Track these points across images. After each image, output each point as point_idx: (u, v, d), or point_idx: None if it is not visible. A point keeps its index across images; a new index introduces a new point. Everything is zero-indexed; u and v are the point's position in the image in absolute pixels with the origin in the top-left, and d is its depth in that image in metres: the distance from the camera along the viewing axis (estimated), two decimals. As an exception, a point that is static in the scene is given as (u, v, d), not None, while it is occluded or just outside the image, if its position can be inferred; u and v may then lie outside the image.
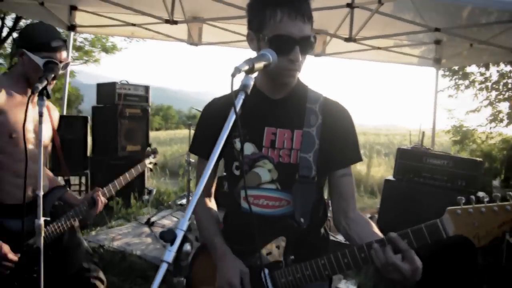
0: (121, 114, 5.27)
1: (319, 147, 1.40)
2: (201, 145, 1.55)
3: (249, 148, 1.45)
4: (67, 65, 1.95)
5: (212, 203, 1.64)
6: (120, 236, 4.06)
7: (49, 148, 2.21)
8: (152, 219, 4.54)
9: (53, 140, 2.18)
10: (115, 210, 4.80)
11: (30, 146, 1.90)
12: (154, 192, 5.56)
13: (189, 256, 1.01)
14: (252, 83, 1.11)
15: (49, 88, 1.63)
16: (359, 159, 1.49)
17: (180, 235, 0.91)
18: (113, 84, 5.32)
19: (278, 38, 1.27)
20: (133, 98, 5.46)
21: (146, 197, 5.21)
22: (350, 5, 3.98)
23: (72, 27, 5.39)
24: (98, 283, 2.17)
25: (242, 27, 4.81)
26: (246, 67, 1.08)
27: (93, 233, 4.12)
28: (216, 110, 1.52)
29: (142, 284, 3.31)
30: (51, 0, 4.66)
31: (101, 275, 2.22)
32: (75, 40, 12.89)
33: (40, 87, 1.58)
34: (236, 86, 1.08)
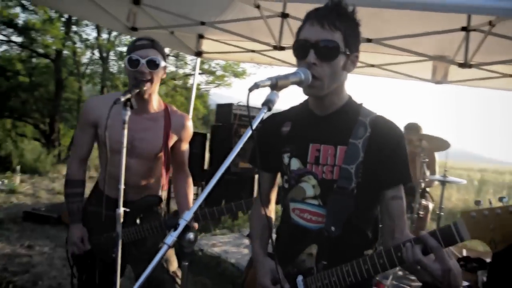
0: (236, 133, 5.72)
1: (363, 160, 1.40)
2: (261, 158, 1.64)
3: (295, 164, 1.51)
4: (152, 62, 2.01)
5: (268, 211, 1.72)
6: (221, 244, 4.39)
7: (158, 160, 2.26)
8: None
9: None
10: (222, 220, 5.18)
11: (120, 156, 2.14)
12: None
13: (193, 244, 1.14)
14: (276, 99, 1.18)
15: (133, 100, 1.84)
16: (408, 180, 1.44)
17: (182, 224, 1.07)
18: (230, 105, 5.83)
19: (296, 44, 1.36)
20: (247, 118, 5.89)
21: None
22: (465, 29, 3.72)
23: (199, 53, 6.07)
24: None
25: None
26: (268, 83, 1.17)
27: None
28: (272, 125, 1.60)
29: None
30: (180, 30, 5.31)
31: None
32: (209, 65, 14.17)
33: (123, 99, 1.80)
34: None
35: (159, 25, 4.83)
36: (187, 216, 1.08)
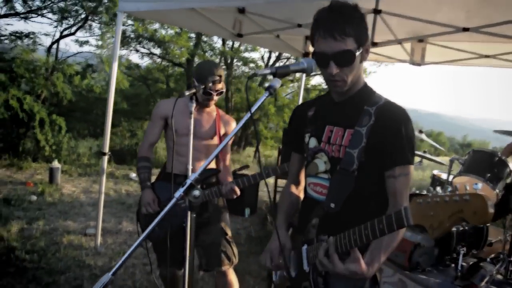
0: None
1: (365, 146, 1.56)
2: (289, 139, 1.94)
3: (312, 142, 1.72)
4: (221, 93, 2.72)
5: (296, 189, 1.94)
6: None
7: (215, 140, 2.84)
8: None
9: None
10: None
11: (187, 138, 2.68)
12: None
13: (199, 199, 1.41)
14: (278, 85, 1.44)
15: (198, 95, 2.43)
16: (405, 162, 1.55)
17: (188, 183, 1.37)
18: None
19: (316, 55, 1.54)
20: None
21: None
22: None
23: (306, 54, 6.31)
24: (224, 259, 2.68)
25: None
26: (267, 72, 1.44)
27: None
28: (302, 110, 1.85)
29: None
30: (286, 33, 5.60)
31: (230, 253, 2.73)
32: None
33: (187, 93, 2.35)
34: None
35: (264, 30, 5.18)
36: (192, 177, 1.37)
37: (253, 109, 1.46)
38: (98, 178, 7.57)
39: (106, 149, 4.39)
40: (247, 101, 1.55)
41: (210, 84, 2.60)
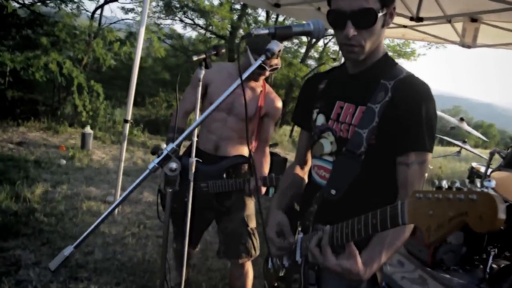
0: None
1: (377, 125, 1.33)
2: (298, 114, 1.70)
3: (320, 119, 1.51)
4: (275, 69, 2.43)
5: (301, 170, 1.72)
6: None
7: (253, 122, 2.53)
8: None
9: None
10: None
11: (223, 113, 2.47)
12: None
13: (175, 172, 1.25)
14: (277, 48, 1.27)
15: (208, 61, 2.10)
16: (421, 148, 1.30)
17: (164, 154, 1.20)
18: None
19: (331, 13, 1.31)
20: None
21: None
22: None
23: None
24: (242, 252, 2.50)
25: None
26: (265, 32, 1.23)
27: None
28: (313, 83, 1.62)
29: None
30: (327, 6, 5.26)
31: (250, 246, 2.51)
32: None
33: (195, 58, 2.07)
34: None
35: (304, 1, 4.86)
36: (169, 148, 1.19)
37: (245, 75, 1.32)
38: (129, 146, 7.65)
39: (129, 117, 4.33)
40: (238, 70, 1.33)
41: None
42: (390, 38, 10.50)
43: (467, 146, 4.33)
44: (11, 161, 5.73)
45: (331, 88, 1.53)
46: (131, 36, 11.33)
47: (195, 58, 2.09)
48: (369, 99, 1.35)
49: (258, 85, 2.53)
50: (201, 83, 2.15)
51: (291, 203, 1.65)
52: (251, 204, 2.58)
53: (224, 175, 2.45)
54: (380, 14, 1.27)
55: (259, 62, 1.32)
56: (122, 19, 12.22)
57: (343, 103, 1.44)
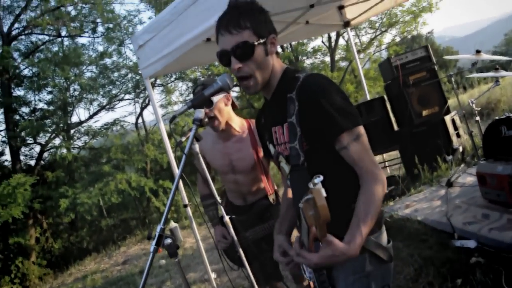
0: (405, 84, 5.36)
1: (301, 133, 1.45)
2: (264, 151, 1.84)
3: (271, 149, 1.67)
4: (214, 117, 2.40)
5: None
6: (415, 202, 4.22)
7: (257, 170, 2.59)
8: (452, 179, 4.38)
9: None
10: (422, 177, 4.92)
11: (230, 175, 2.63)
12: (460, 149, 5.21)
13: (172, 245, 1.47)
14: (202, 115, 1.51)
15: (197, 134, 2.24)
16: (344, 128, 1.39)
17: (156, 235, 1.42)
18: (388, 60, 5.54)
19: (218, 54, 1.49)
20: (412, 63, 5.43)
21: (449, 157, 5.00)
22: None
23: (346, 24, 6.00)
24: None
25: None
26: (184, 109, 1.49)
27: (391, 203, 4.47)
28: (258, 121, 1.80)
29: (421, 248, 3.43)
30: (313, 15, 5.15)
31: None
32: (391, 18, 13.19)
33: (183, 139, 2.14)
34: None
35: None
36: (159, 228, 1.40)
37: (187, 149, 1.53)
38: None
39: (186, 201, 4.65)
40: (176, 143, 1.55)
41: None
42: (382, 12, 10.27)
43: (502, 72, 4.11)
44: (121, 281, 6.34)
45: (266, 119, 1.69)
46: (176, 125, 12.15)
47: (183, 139, 2.21)
48: (286, 115, 1.49)
49: (243, 128, 2.57)
50: (200, 155, 2.36)
51: (293, 224, 1.76)
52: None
53: (260, 220, 2.63)
54: (257, 44, 1.43)
55: (192, 134, 1.52)
56: (163, 115, 13.17)
57: (275, 127, 1.59)
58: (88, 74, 10.66)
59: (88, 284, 6.85)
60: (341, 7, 5.75)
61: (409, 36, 16.07)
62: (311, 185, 1.00)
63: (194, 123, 1.49)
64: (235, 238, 2.40)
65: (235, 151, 2.56)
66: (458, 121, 5.58)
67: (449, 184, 4.34)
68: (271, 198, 2.67)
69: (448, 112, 5.42)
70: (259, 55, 1.45)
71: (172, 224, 7.66)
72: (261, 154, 2.58)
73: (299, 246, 1.32)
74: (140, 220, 10.09)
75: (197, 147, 2.31)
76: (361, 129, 1.42)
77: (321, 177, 0.98)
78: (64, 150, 8.95)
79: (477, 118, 4.43)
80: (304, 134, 1.46)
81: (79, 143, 10.19)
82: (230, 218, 2.42)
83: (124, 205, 10.55)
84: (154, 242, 1.42)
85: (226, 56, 1.47)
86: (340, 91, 1.45)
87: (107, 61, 10.65)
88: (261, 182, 2.65)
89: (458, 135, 5.47)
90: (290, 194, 1.85)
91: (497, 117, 3.63)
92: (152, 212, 10.27)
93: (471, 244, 3.22)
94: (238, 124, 2.57)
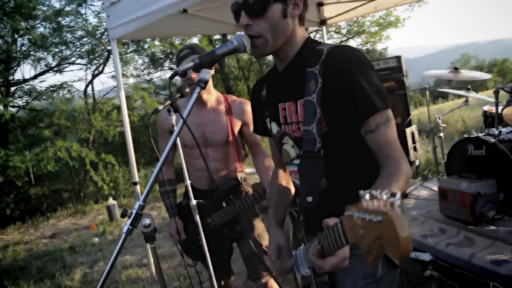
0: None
1: (321, 115, 1.25)
2: (257, 126, 1.65)
3: (274, 127, 1.46)
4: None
5: (285, 174, 1.66)
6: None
7: (229, 145, 2.43)
8: (407, 191, 4.42)
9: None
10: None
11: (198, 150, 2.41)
12: (417, 163, 5.30)
13: (150, 228, 1.22)
14: (208, 76, 1.24)
15: (176, 105, 1.79)
16: (376, 109, 1.18)
17: (133, 214, 1.18)
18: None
19: (231, 7, 1.30)
20: (383, 72, 5.43)
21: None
22: None
23: (323, 22, 5.90)
24: (262, 271, 2.44)
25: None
26: (190, 65, 1.21)
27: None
28: (256, 92, 1.57)
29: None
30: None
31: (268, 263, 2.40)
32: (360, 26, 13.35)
33: (161, 107, 1.96)
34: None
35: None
36: (135, 206, 1.14)
37: (186, 112, 1.29)
38: (154, 204, 7.70)
39: (136, 179, 4.34)
40: (172, 105, 1.30)
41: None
42: (362, 16, 10.42)
43: (472, 93, 4.17)
44: (47, 255, 5.84)
45: (271, 92, 1.47)
46: (128, 99, 11.58)
47: (161, 107, 1.99)
48: (303, 92, 1.28)
49: (219, 101, 2.43)
50: (176, 128, 2.09)
51: (286, 213, 1.59)
52: (259, 224, 2.52)
53: (224, 204, 2.40)
54: (274, 3, 1.23)
55: (195, 94, 1.28)
56: (115, 86, 12.52)
57: (284, 104, 1.38)
58: (40, 30, 9.86)
59: (9, 255, 6.26)
60: (320, 4, 5.65)
61: (364, 48, 16.37)
62: (379, 199, 0.72)
63: (199, 84, 1.24)
64: (200, 227, 2.13)
65: (210, 122, 2.38)
66: (416, 135, 5.66)
67: (404, 196, 4.36)
68: (240, 176, 2.48)
69: (409, 124, 5.48)
70: (274, 15, 1.24)
71: (111, 201, 7.25)
72: (236, 129, 2.42)
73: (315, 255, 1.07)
74: (74, 193, 9.47)
75: (173, 118, 1.98)
76: (391, 113, 1.23)
77: (399, 194, 0.73)
78: (1, 107, 8.15)
79: (441, 134, 4.49)
80: (325, 116, 1.25)
81: (19, 102, 9.42)
82: (195, 204, 2.15)
83: (56, 174, 9.85)
84: (129, 222, 1.17)
85: (237, 10, 1.27)
86: (373, 66, 1.25)
87: (65, 20, 9.88)
88: (231, 162, 2.46)
89: (415, 149, 5.55)
90: (282, 175, 1.66)
91: (465, 135, 3.66)
92: (88, 186, 9.68)
93: (426, 257, 3.22)
94: (215, 95, 2.45)
